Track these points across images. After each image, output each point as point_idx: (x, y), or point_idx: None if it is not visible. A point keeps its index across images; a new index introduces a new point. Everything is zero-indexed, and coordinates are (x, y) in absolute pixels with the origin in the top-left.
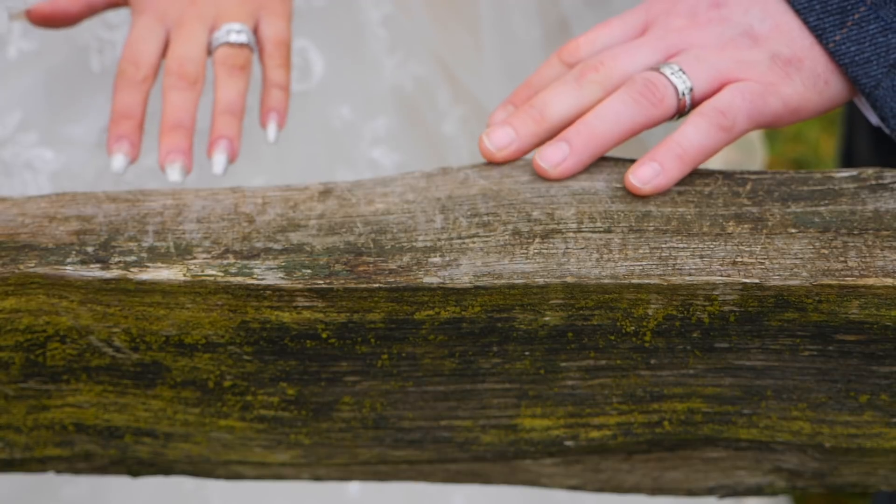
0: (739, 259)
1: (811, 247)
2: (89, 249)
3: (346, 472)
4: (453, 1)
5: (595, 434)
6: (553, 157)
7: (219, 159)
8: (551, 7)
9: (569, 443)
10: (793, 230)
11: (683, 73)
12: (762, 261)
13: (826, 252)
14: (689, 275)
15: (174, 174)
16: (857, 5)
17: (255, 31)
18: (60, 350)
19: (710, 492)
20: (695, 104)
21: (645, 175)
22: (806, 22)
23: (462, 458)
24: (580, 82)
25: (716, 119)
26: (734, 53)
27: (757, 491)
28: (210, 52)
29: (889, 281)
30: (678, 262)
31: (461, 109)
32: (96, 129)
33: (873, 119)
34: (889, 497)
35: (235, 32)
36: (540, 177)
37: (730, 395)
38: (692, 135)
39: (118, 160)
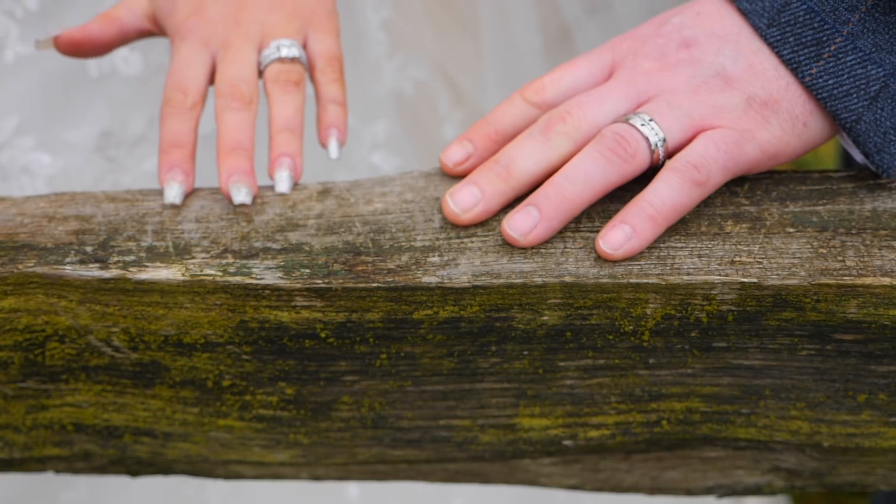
0: (738, 258)
1: (809, 246)
2: (88, 249)
3: (344, 472)
4: (453, 8)
5: (593, 433)
6: (523, 226)
7: (282, 176)
8: (552, 15)
9: (567, 442)
10: (791, 229)
11: (655, 123)
12: (760, 260)
13: (824, 251)
14: (688, 274)
15: (239, 196)
16: (833, 36)
17: (304, 47)
18: (59, 350)
19: (708, 491)
20: (669, 154)
21: (616, 240)
22: (780, 56)
23: (461, 458)
24: (547, 135)
25: (689, 174)
26: (707, 98)
27: (755, 490)
28: (260, 72)
29: (887, 280)
30: (676, 261)
31: (461, 113)
32: (94, 133)
33: (858, 156)
34: (887, 496)
35: (286, 47)
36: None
37: (728, 395)
38: (664, 192)
39: (172, 190)
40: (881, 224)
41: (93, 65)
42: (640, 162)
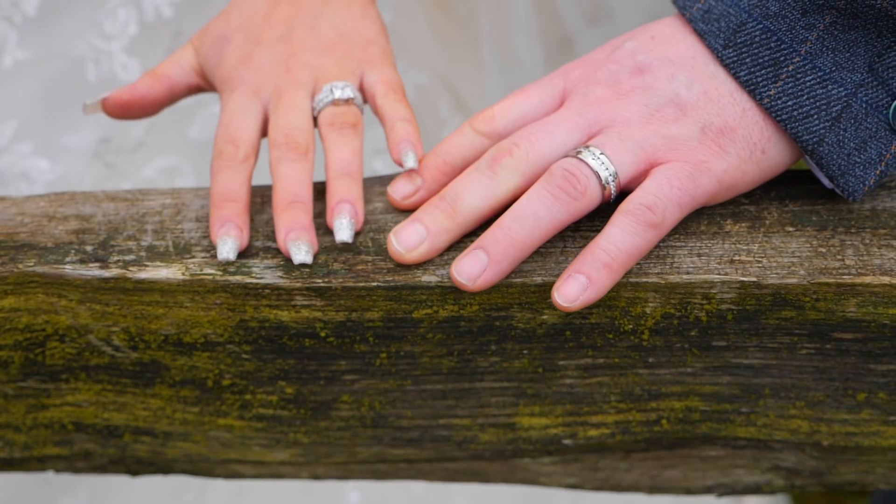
0: (737, 257)
1: (808, 245)
2: (88, 248)
3: (344, 471)
4: (454, 14)
5: (593, 432)
6: (471, 271)
7: (342, 224)
8: (553, 24)
9: (567, 441)
10: (790, 228)
11: (606, 157)
12: (760, 259)
13: (823, 250)
14: (687, 273)
15: (300, 255)
16: (791, 56)
17: (360, 89)
18: (59, 349)
19: (708, 490)
20: (622, 189)
21: (571, 292)
22: (737, 78)
23: (460, 457)
24: (494, 169)
25: (643, 216)
26: (661, 128)
27: (755, 489)
28: (315, 119)
29: (886, 279)
30: (676, 260)
31: (462, 118)
32: (93, 139)
33: (826, 181)
34: (886, 495)
35: (339, 89)
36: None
37: (728, 394)
38: (618, 238)
39: (226, 245)
40: (880, 223)
41: (91, 70)
42: (591, 199)
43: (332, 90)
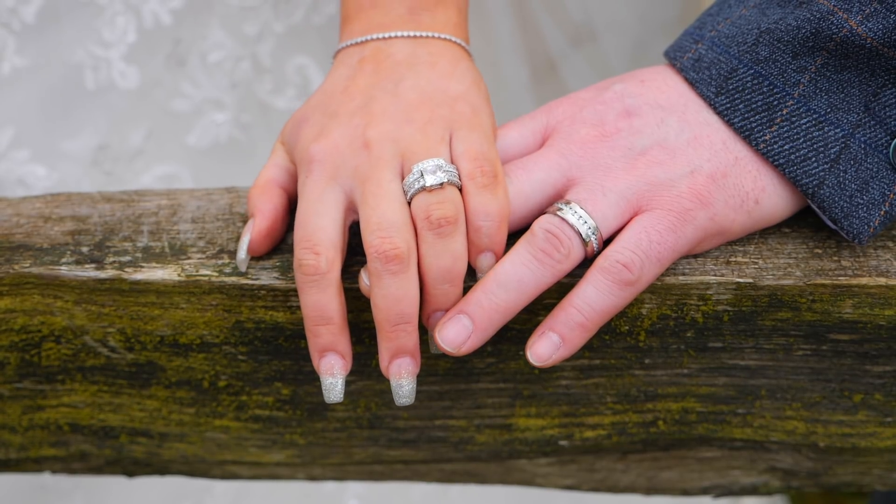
0: (733, 258)
1: (804, 246)
2: (84, 249)
3: (341, 472)
4: None
5: (589, 434)
6: (456, 339)
7: (440, 338)
8: (539, 47)
9: (563, 442)
10: (786, 229)
11: (587, 213)
12: (756, 260)
13: (819, 251)
14: (683, 274)
15: (403, 397)
16: (785, 99)
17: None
18: (55, 350)
19: (704, 491)
20: (604, 241)
21: (544, 352)
22: (731, 124)
23: (457, 458)
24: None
25: (618, 275)
26: (646, 172)
27: (752, 490)
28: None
29: (882, 280)
30: None
31: None
32: (90, 146)
33: (832, 225)
34: (886, 496)
35: (430, 173)
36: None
37: (724, 395)
38: (593, 297)
39: (334, 387)
40: None
41: (90, 77)
42: (575, 258)
43: (422, 175)
